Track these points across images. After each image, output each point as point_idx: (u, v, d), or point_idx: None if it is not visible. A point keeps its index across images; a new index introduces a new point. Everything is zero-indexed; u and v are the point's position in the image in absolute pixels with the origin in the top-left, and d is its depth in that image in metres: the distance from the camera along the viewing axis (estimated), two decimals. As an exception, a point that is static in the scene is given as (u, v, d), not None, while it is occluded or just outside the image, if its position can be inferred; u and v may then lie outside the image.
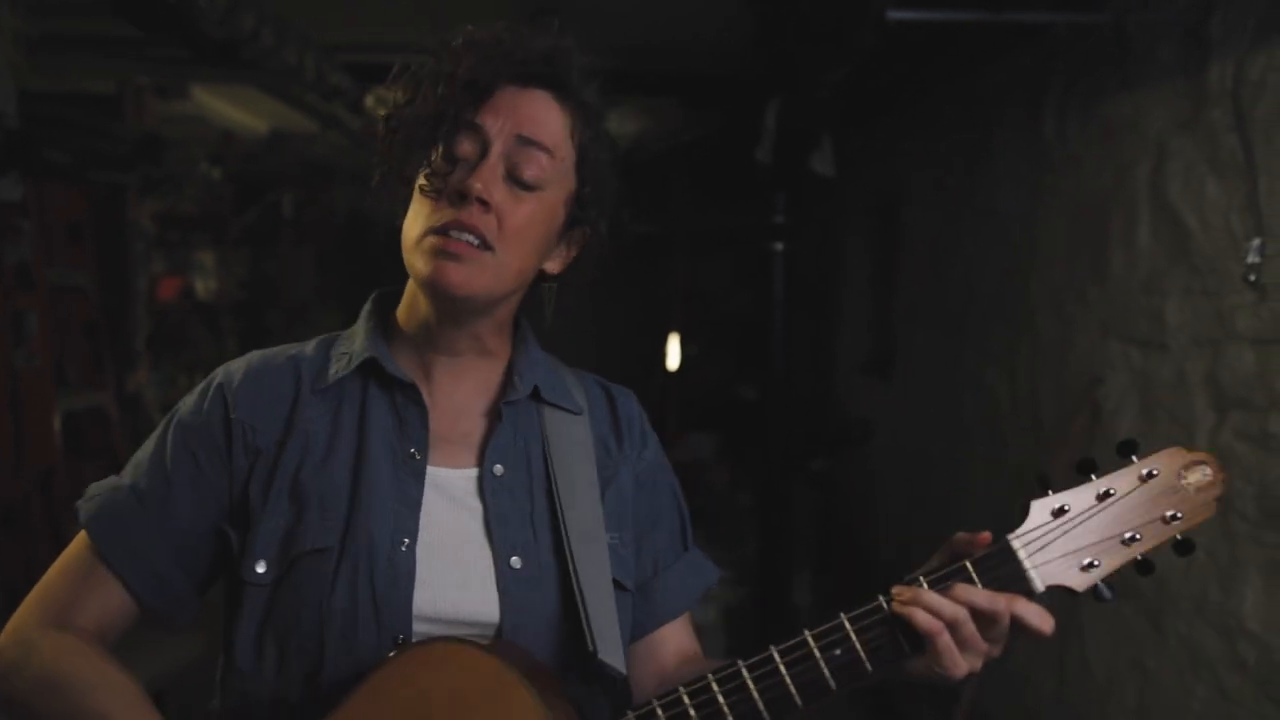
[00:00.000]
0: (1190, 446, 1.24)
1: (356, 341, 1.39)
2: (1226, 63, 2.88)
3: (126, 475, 1.37)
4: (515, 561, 1.30)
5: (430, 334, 1.37)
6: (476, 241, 1.28)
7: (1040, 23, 3.38)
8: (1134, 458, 1.23)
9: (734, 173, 5.28)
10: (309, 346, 1.42)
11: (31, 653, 1.27)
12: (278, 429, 1.34)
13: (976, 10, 3.11)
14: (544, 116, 1.32)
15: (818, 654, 1.21)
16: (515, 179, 1.30)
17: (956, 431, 4.80)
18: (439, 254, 1.28)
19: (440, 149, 1.31)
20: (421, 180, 1.31)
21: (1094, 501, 1.22)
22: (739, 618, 5.27)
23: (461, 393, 1.39)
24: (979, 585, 1.20)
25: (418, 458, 1.33)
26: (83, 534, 1.34)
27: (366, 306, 1.43)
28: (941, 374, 4.99)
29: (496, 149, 1.30)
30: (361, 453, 1.32)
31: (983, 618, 1.19)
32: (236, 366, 1.39)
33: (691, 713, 1.20)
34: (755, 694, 1.20)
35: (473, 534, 1.32)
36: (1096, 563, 1.21)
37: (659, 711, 1.21)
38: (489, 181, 1.28)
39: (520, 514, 1.33)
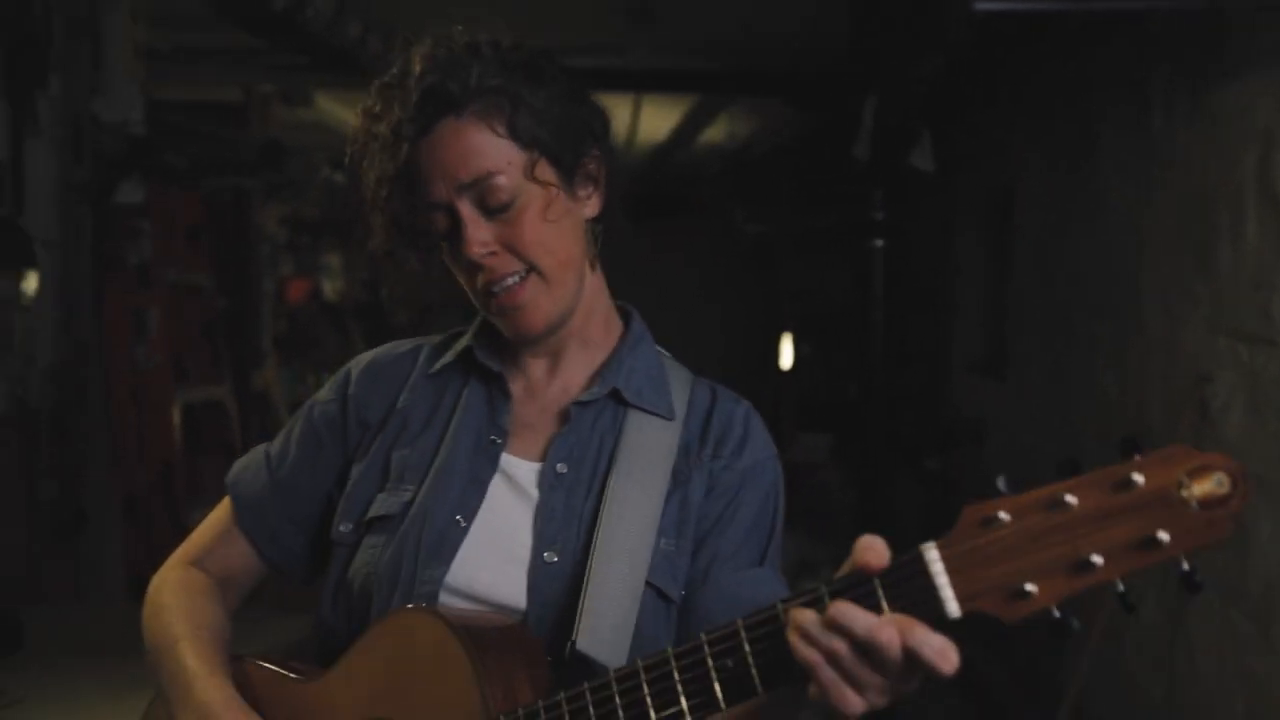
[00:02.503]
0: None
1: (469, 332, 1.49)
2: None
3: (272, 443, 1.55)
4: (549, 555, 1.33)
5: (530, 344, 1.43)
6: (517, 278, 1.32)
7: (1134, 10, 3.27)
8: (1137, 458, 0.94)
9: (842, 171, 5.25)
10: (440, 336, 1.53)
11: (161, 584, 1.47)
12: (386, 406, 1.46)
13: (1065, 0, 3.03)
14: (461, 148, 1.30)
15: (710, 661, 1.07)
16: (492, 210, 1.31)
17: (1068, 432, 4.69)
18: (504, 313, 1.34)
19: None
20: (432, 256, 1.37)
21: (1039, 511, 0.95)
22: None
23: (555, 386, 1.44)
24: (883, 602, 0.98)
25: (497, 443, 1.40)
26: None
27: None
28: (1053, 373, 4.88)
29: (461, 208, 1.31)
30: (450, 433, 1.41)
31: (866, 649, 0.97)
32: (369, 354, 1.54)
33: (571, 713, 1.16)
34: (648, 700, 1.10)
35: (522, 523, 1.36)
36: (1030, 589, 0.94)
37: (541, 712, 1.18)
38: (475, 237, 1.31)
39: (570, 511, 1.36)
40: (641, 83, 5.24)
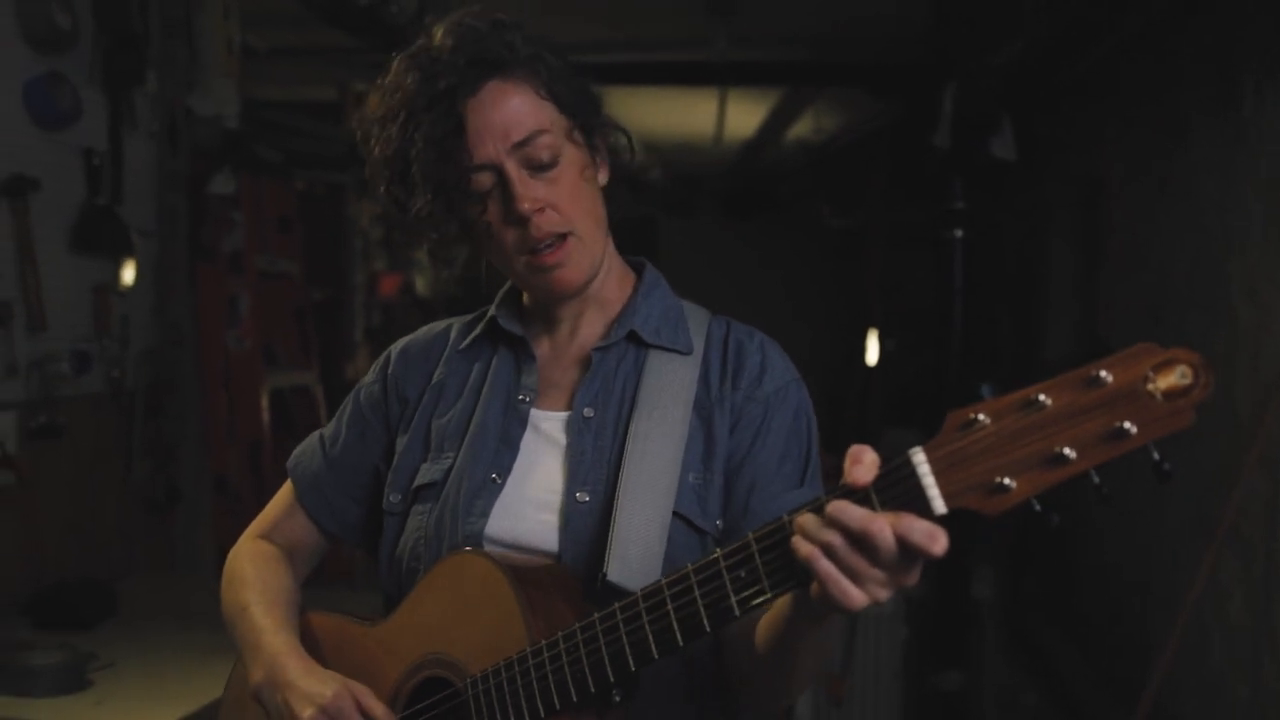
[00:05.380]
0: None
1: (494, 304, 1.58)
2: None
3: (326, 427, 1.69)
4: (580, 495, 1.41)
5: (553, 308, 1.53)
6: (557, 239, 1.40)
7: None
8: (1106, 358, 0.99)
9: (925, 162, 5.19)
10: (470, 315, 1.62)
11: (235, 556, 1.61)
12: (423, 382, 1.57)
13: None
14: (515, 108, 1.38)
15: (725, 573, 1.12)
16: (537, 168, 1.39)
17: (1155, 427, 4.58)
18: (542, 270, 1.42)
19: (462, 191, 1.40)
20: (473, 218, 1.41)
21: (1015, 412, 0.99)
22: (920, 609, 5.19)
23: (576, 341, 1.53)
24: (876, 505, 1.03)
25: (525, 401, 1.49)
26: None
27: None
28: (1141, 367, 4.78)
29: (508, 168, 1.38)
30: (481, 399, 1.51)
31: (860, 540, 1.02)
32: (406, 337, 1.65)
33: (612, 629, 1.20)
34: (671, 614, 1.16)
35: (554, 469, 1.46)
36: (1009, 484, 0.98)
37: (578, 633, 1.24)
38: (526, 194, 1.38)
39: (599, 452, 1.44)
40: (724, 76, 5.26)
